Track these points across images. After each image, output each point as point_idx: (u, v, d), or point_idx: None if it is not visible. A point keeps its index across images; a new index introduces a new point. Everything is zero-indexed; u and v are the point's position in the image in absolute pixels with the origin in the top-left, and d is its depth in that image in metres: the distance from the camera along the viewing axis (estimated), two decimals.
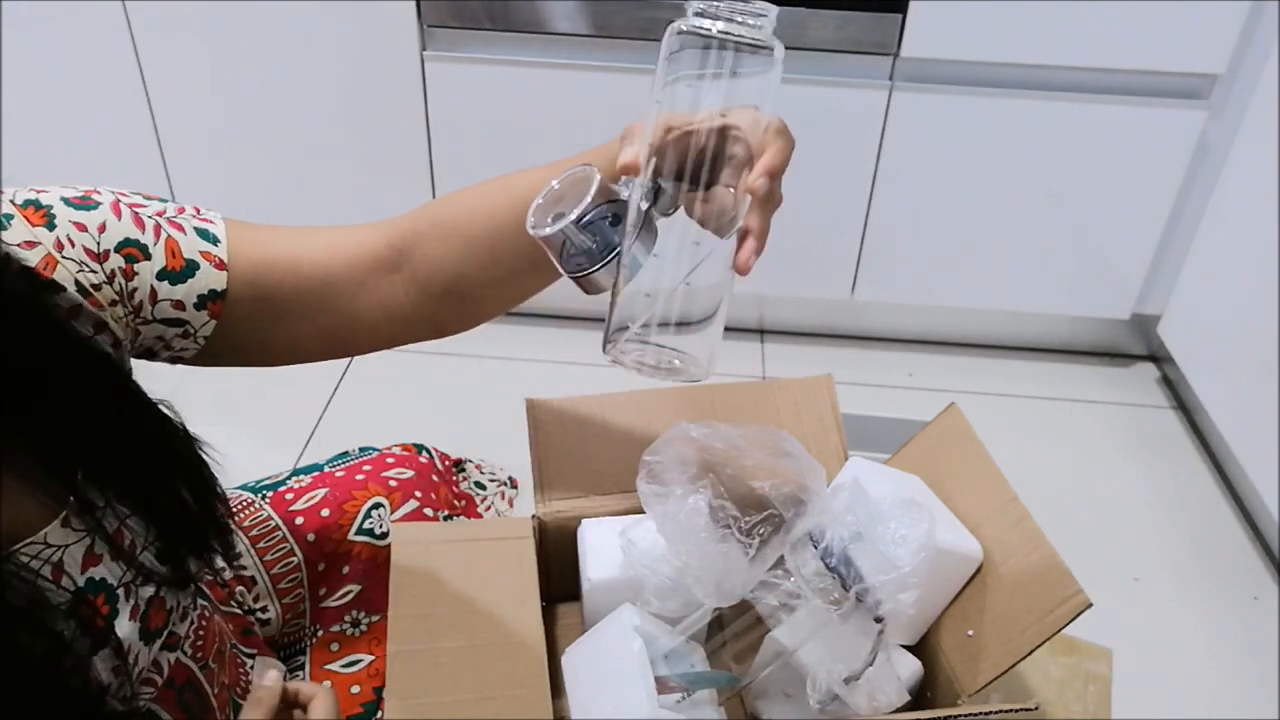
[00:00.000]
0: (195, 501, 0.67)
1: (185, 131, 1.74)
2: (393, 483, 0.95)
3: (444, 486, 1.00)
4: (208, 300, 0.68)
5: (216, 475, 0.69)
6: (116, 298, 0.64)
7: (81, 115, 1.73)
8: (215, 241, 0.69)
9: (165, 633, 0.67)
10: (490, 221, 0.71)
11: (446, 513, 0.98)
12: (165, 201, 0.69)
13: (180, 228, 0.68)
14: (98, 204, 0.65)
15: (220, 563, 0.82)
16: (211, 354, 0.71)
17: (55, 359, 0.57)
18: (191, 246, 0.68)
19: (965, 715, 0.78)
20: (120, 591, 0.61)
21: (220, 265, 0.69)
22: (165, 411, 0.66)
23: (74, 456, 0.60)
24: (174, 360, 0.71)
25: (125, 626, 0.62)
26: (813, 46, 1.55)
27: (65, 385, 0.58)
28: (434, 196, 1.76)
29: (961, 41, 1.54)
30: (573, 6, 1.54)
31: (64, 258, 0.61)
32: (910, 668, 0.90)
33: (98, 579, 0.60)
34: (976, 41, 1.54)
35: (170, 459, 0.66)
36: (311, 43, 1.62)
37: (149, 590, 0.64)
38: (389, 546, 0.90)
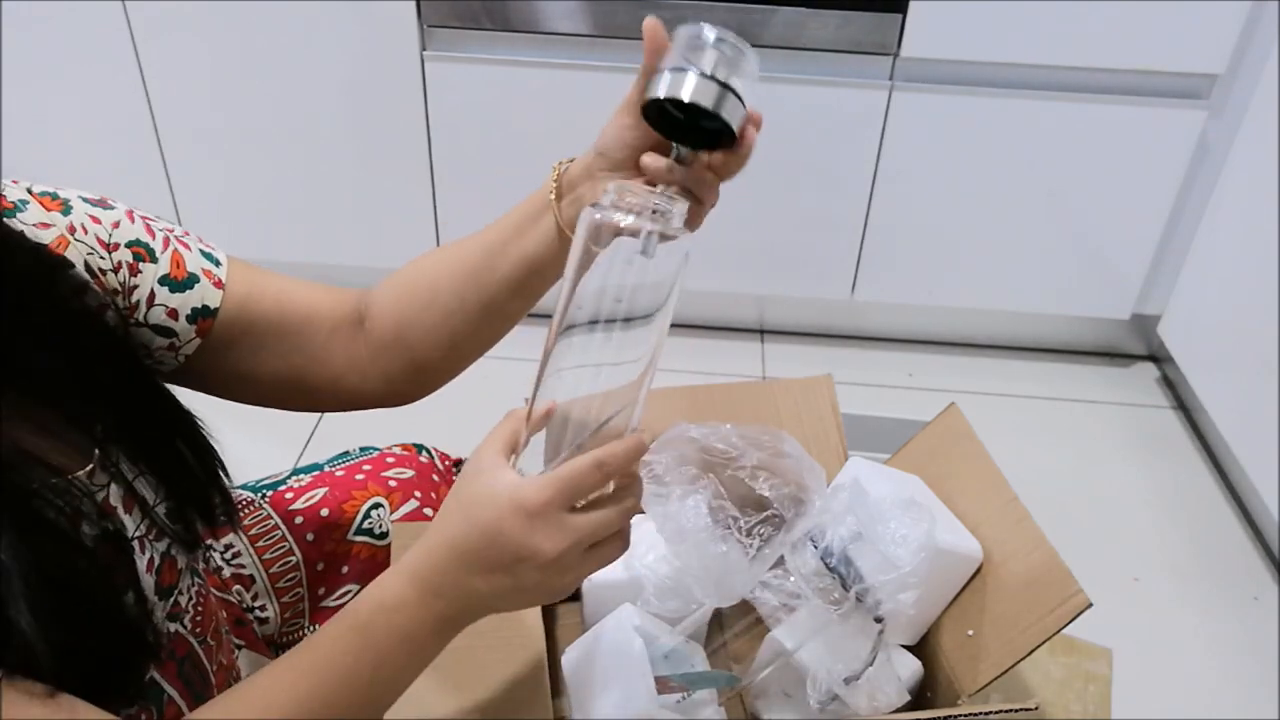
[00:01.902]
0: (197, 463, 0.70)
1: (185, 131, 1.74)
2: (392, 483, 0.95)
3: (444, 486, 1.00)
4: (199, 315, 0.71)
5: (216, 447, 0.72)
6: (119, 289, 0.67)
7: (81, 115, 1.73)
8: (217, 264, 0.73)
9: (175, 593, 0.68)
10: (433, 268, 0.75)
11: None
12: (174, 225, 0.73)
13: (186, 245, 0.72)
14: (113, 207, 0.69)
15: (237, 538, 0.86)
16: (186, 373, 0.74)
17: (65, 322, 0.61)
18: (195, 262, 0.71)
19: (965, 715, 0.78)
20: (135, 543, 0.63)
21: (218, 284, 0.72)
22: (163, 384, 0.69)
23: (90, 414, 0.62)
24: (150, 371, 0.73)
25: (142, 577, 0.64)
26: (813, 46, 1.55)
27: (76, 347, 0.61)
28: (434, 196, 1.76)
29: (961, 41, 1.54)
30: (573, 6, 1.54)
31: (76, 240, 0.65)
32: (910, 668, 0.90)
33: (113, 529, 0.62)
34: (976, 41, 1.54)
35: (171, 425, 0.69)
36: (311, 43, 1.62)
37: (161, 546, 0.66)
38: (388, 546, 0.90)
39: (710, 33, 0.60)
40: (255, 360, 0.75)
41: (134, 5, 1.61)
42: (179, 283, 0.70)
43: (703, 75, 0.59)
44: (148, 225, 0.70)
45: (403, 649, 0.60)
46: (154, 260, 0.69)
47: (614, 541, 0.61)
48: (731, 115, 0.61)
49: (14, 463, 0.55)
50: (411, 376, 0.79)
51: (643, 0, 1.52)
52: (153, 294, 0.69)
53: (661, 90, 0.60)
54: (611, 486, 0.61)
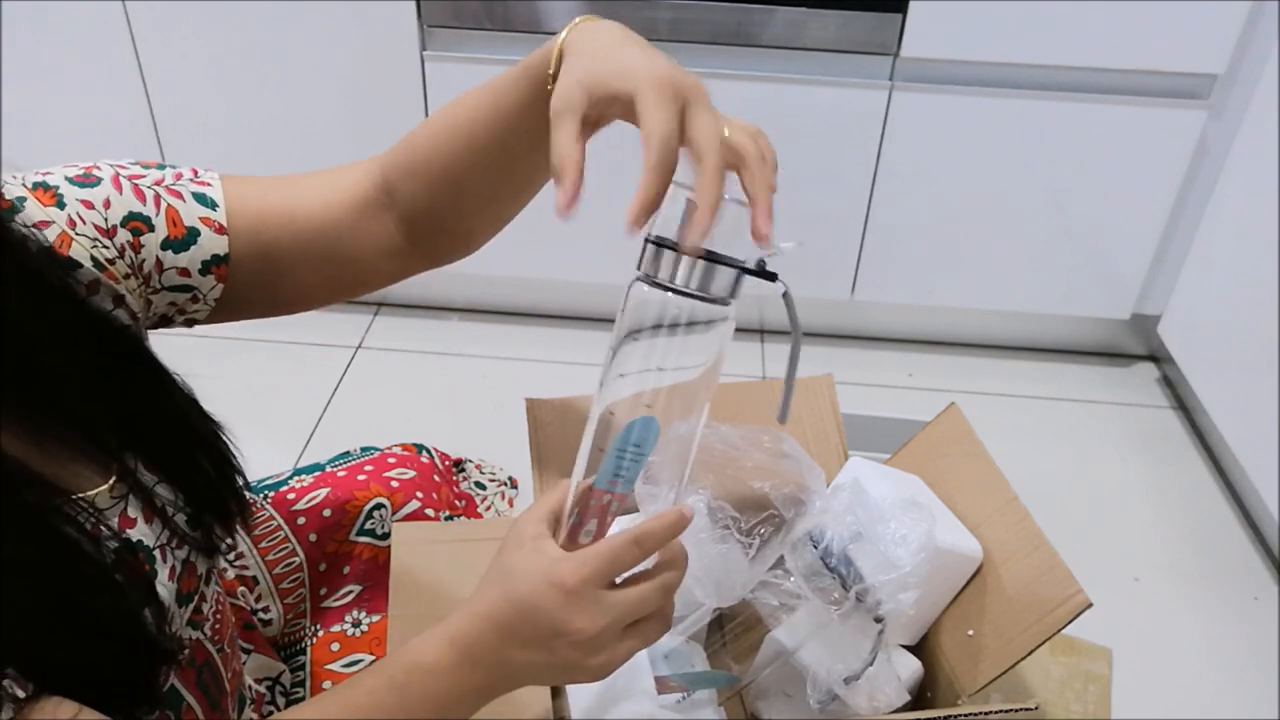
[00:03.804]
0: (214, 470, 0.69)
1: (185, 133, 1.74)
2: (394, 483, 0.95)
3: (445, 487, 1.01)
4: (211, 265, 0.69)
5: (233, 449, 0.71)
6: (130, 271, 0.66)
7: (81, 115, 1.73)
8: (214, 206, 0.70)
9: (195, 600, 0.68)
10: (445, 148, 0.72)
11: (447, 513, 0.98)
12: (163, 168, 0.70)
13: (179, 195, 0.69)
14: (99, 180, 0.66)
15: (240, 539, 0.85)
16: (224, 312, 0.72)
17: (78, 333, 0.59)
18: (191, 214, 0.69)
19: (965, 715, 0.78)
20: (157, 553, 0.63)
21: (220, 230, 0.69)
22: (182, 385, 0.67)
23: (106, 424, 0.61)
24: (189, 323, 0.73)
25: (163, 586, 0.63)
26: (813, 46, 1.55)
27: (89, 358, 0.60)
28: None
29: (961, 41, 1.54)
30: (573, 6, 1.54)
31: (77, 235, 0.63)
32: (910, 668, 0.90)
33: (135, 539, 0.61)
34: (976, 41, 1.54)
35: (189, 429, 0.68)
36: (312, 43, 1.62)
37: (182, 554, 0.66)
38: (390, 547, 0.90)
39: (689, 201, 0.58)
40: (287, 280, 0.73)
41: (134, 5, 1.61)
42: (181, 241, 0.68)
43: (741, 271, 0.59)
44: (136, 188, 0.67)
45: (434, 712, 0.60)
46: (151, 229, 0.67)
47: (653, 620, 0.61)
48: (719, 289, 0.60)
49: (24, 482, 0.54)
50: (463, 244, 0.77)
51: (643, 0, 1.52)
52: (160, 261, 0.67)
53: (647, 266, 0.59)
54: (652, 562, 0.61)
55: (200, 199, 0.69)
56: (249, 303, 0.73)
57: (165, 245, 0.67)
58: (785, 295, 0.62)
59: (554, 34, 0.64)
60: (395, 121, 1.69)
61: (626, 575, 0.60)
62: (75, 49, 1.66)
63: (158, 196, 0.68)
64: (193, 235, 0.68)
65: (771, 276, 0.60)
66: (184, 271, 0.68)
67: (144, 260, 0.66)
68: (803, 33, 1.54)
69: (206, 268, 0.69)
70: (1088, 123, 1.59)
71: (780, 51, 1.56)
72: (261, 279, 0.72)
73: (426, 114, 1.67)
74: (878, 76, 1.58)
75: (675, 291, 0.58)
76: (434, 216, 0.74)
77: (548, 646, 0.58)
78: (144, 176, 0.68)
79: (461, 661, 0.60)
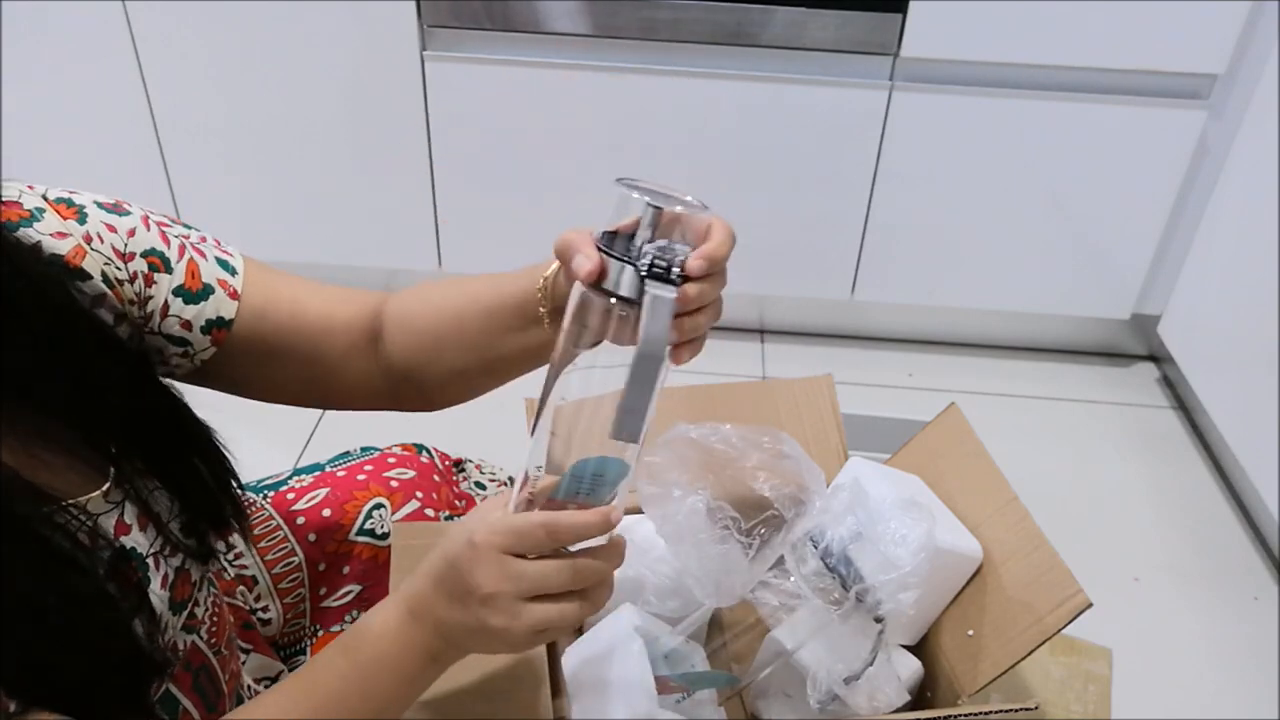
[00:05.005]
0: (211, 478, 0.70)
1: (185, 133, 1.74)
2: (394, 483, 0.95)
3: (445, 487, 1.01)
4: (214, 326, 0.71)
5: (229, 457, 0.72)
6: (135, 299, 0.67)
7: (81, 115, 1.73)
8: (233, 272, 0.72)
9: (189, 606, 0.69)
10: (438, 317, 0.75)
11: (447, 513, 0.98)
12: (189, 228, 0.72)
13: (202, 253, 0.71)
14: (128, 213, 0.68)
15: (237, 541, 0.85)
16: (200, 377, 0.74)
17: (79, 339, 0.60)
18: (210, 272, 0.71)
19: (965, 715, 0.78)
20: (150, 560, 0.63)
21: (234, 295, 0.71)
22: (176, 394, 0.69)
23: (104, 431, 0.62)
24: (165, 375, 0.74)
25: (156, 595, 0.64)
26: (813, 46, 1.55)
27: (89, 364, 0.61)
28: (434, 196, 1.76)
29: (961, 41, 1.54)
30: (573, 6, 1.54)
31: (93, 250, 0.64)
32: (910, 668, 0.90)
33: (128, 547, 0.62)
34: (976, 41, 1.54)
35: (186, 438, 0.69)
36: (311, 43, 1.62)
37: (176, 561, 0.67)
38: (390, 547, 0.90)
39: (647, 212, 0.60)
40: (269, 368, 0.74)
41: (134, 5, 1.61)
42: (194, 294, 0.69)
43: (635, 270, 0.60)
44: (163, 232, 0.69)
45: (387, 675, 0.62)
46: (169, 270, 0.68)
47: (567, 600, 0.61)
48: (629, 289, 0.60)
49: (17, 491, 0.55)
50: (425, 402, 0.80)
51: (643, 0, 1.52)
52: (167, 305, 0.68)
53: (610, 283, 0.60)
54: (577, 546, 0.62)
55: (222, 264, 0.72)
56: (226, 377, 0.74)
57: (178, 292, 0.69)
58: (666, 300, 0.61)
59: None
60: (395, 121, 1.70)
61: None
62: (75, 49, 1.66)
63: (182, 247, 0.70)
64: (206, 291, 0.70)
65: (675, 282, 0.61)
66: (186, 324, 0.70)
67: (152, 297, 0.68)
68: (802, 33, 1.54)
69: (209, 327, 0.70)
70: (1088, 123, 1.59)
71: (780, 51, 1.56)
72: (249, 358, 0.73)
73: (426, 114, 1.67)
74: (878, 76, 1.58)
75: (603, 291, 0.60)
76: (409, 372, 0.76)
77: (461, 601, 0.60)
78: (171, 227, 0.71)
79: (404, 621, 0.62)
